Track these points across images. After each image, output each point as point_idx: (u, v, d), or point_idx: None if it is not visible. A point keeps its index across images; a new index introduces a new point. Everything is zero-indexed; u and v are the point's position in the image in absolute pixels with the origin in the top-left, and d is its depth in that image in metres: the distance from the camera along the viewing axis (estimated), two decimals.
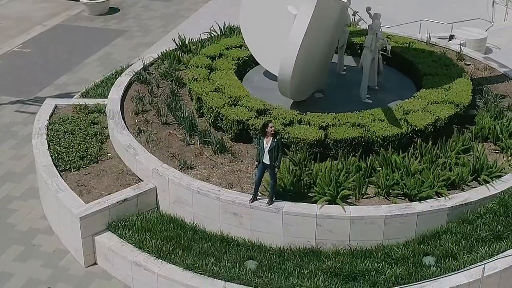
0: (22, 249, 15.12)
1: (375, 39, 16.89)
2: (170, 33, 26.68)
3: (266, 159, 13.22)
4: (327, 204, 13.77)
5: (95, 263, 14.68)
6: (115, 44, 25.93)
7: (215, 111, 16.15)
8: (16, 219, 16.06)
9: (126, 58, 24.25)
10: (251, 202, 13.79)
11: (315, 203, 13.83)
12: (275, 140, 13.14)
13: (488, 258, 12.91)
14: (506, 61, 20.69)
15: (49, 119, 17.69)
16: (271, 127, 13.08)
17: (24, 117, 20.59)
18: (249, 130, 15.69)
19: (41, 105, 19.05)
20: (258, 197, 13.88)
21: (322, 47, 16.72)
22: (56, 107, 18.31)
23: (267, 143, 13.15)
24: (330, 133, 15.09)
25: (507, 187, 14.33)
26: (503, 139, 15.60)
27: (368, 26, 17.21)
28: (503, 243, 13.23)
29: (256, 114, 15.86)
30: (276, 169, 13.40)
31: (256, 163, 13.63)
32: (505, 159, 15.22)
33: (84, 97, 19.44)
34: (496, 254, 12.99)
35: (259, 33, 17.47)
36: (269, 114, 15.86)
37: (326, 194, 13.80)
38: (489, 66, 19.71)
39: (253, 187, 14.00)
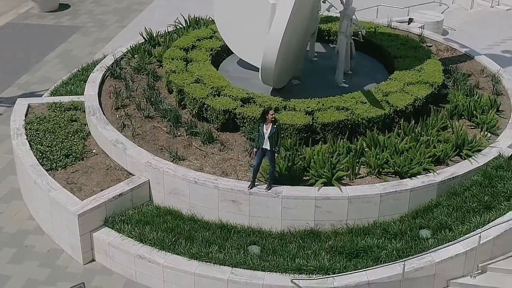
0: (14, 251, 14.90)
1: (350, 24, 17.38)
2: (126, 27, 26.54)
3: (267, 145, 13.53)
4: (323, 186, 14.18)
5: (93, 260, 14.64)
6: (72, 40, 25.53)
7: (199, 102, 16.28)
8: (3, 221, 15.77)
9: (86, 55, 24.02)
10: (250, 188, 14.06)
11: (311, 186, 14.22)
12: (275, 126, 13.45)
13: (481, 227, 13.63)
14: (461, 41, 21.60)
15: (25, 118, 17.39)
16: (272, 114, 13.39)
17: None
18: (235, 119, 15.92)
19: (7, 106, 18.71)
20: (255, 183, 14.15)
21: (299, 34, 17.08)
22: (29, 106, 17.99)
23: (267, 129, 13.45)
24: (317, 117, 15.49)
25: (488, 160, 15.14)
26: (477, 115, 16.40)
27: (341, 12, 17.67)
28: (492, 212, 14.00)
29: (241, 103, 16.10)
30: (276, 154, 13.71)
31: (255, 149, 13.89)
32: (481, 133, 16.01)
33: (54, 95, 19.16)
34: (488, 223, 13.73)
35: (234, 23, 17.64)
36: (254, 102, 16.13)
37: (322, 176, 14.21)
38: (450, 47, 20.56)
39: (250, 174, 14.29)
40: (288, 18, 15.40)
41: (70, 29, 26.62)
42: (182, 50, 18.77)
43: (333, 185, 14.19)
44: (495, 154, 15.30)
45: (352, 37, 18.11)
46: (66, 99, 18.35)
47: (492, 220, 13.80)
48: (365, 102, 16.02)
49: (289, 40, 16.16)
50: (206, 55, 18.45)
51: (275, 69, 16.06)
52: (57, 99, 18.37)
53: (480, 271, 13.70)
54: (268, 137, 13.44)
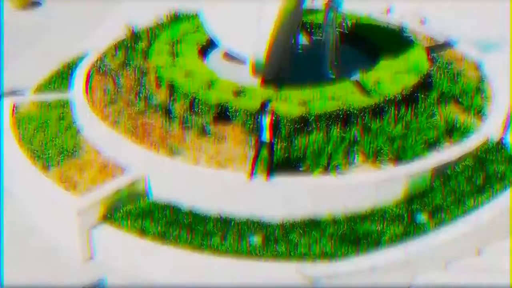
0: (11, 250, 14.76)
1: (336, 16, 17.58)
2: (104, 23, 26.21)
3: (265, 136, 13.64)
4: (320, 174, 14.38)
5: (93, 257, 14.59)
6: (48, 38, 25.19)
7: (190, 95, 16.31)
8: None
9: (64, 51, 23.64)
10: (249, 179, 14.17)
11: (309, 175, 14.40)
12: (274, 117, 13.58)
13: (476, 210, 14.02)
14: (439, 30, 21.99)
15: (12, 117, 17.21)
16: (271, 106, 13.51)
17: None
18: (228, 112, 15.99)
19: None
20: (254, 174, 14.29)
21: (287, 26, 17.18)
22: (15, 105, 17.80)
23: (266, 121, 13.57)
24: (311, 107, 15.67)
25: (478, 144, 15.54)
26: (463, 101, 16.80)
27: (326, 4, 17.83)
28: (486, 194, 14.38)
29: (233, 95, 16.18)
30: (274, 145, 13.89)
31: (254, 140, 14.00)
32: (469, 118, 16.40)
33: (38, 93, 18.96)
34: (482, 205, 14.12)
35: (222, 12, 17.59)
36: (245, 95, 16.23)
37: (319, 165, 14.41)
38: (429, 35, 20.93)
39: (247, 165, 14.40)
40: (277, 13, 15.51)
41: (45, 26, 26.25)
42: (168, 45, 18.74)
43: (330, 173, 14.40)
44: (484, 138, 15.71)
45: (337, 29, 18.30)
46: (51, 96, 18.19)
47: (486, 202, 14.19)
48: (356, 92, 16.26)
49: (279, 32, 16.28)
50: (192, 49, 18.47)
51: (266, 60, 16.15)
52: (42, 97, 18.20)
53: (477, 252, 14.07)
54: (267, 129, 13.57)
